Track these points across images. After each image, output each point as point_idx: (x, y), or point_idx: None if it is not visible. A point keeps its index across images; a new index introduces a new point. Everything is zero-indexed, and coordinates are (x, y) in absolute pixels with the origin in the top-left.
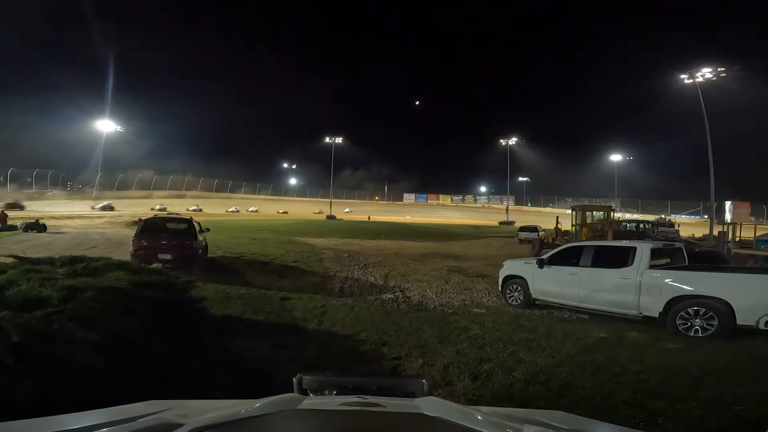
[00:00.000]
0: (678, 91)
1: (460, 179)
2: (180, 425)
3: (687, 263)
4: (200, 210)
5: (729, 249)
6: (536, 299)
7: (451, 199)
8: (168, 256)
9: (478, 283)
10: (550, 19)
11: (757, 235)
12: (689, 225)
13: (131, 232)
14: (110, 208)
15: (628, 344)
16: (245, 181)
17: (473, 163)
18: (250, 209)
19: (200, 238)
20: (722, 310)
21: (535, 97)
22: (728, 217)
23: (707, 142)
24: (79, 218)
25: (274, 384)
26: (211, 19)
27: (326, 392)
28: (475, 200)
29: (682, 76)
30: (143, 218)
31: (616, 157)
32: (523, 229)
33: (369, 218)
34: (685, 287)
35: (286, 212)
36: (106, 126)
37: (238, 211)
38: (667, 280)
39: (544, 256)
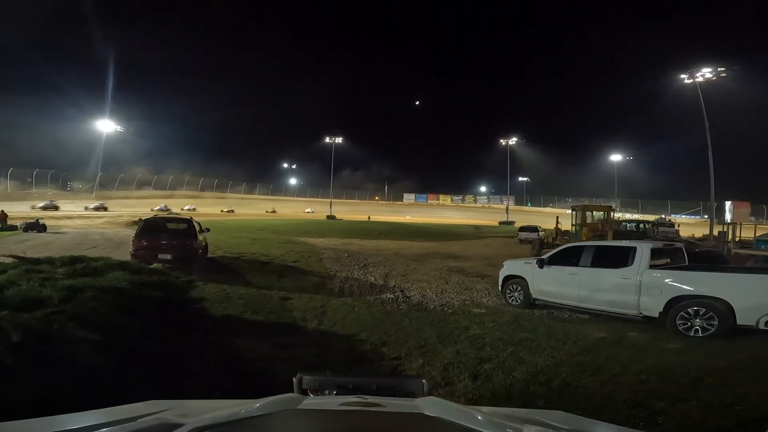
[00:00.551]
0: (678, 91)
1: (460, 179)
2: (180, 425)
3: (687, 263)
4: (194, 209)
5: (729, 249)
6: (536, 299)
7: (451, 199)
8: (168, 256)
9: (478, 283)
10: (550, 19)
11: (757, 235)
12: (689, 225)
13: (131, 232)
14: (103, 208)
15: (628, 344)
16: (245, 181)
17: (473, 163)
18: (268, 210)
19: (200, 238)
20: (722, 310)
21: (535, 97)
22: (728, 217)
23: (707, 142)
24: (79, 218)
25: (274, 384)
26: (211, 19)
27: (326, 392)
28: (475, 200)
29: (683, 76)
30: (143, 218)
31: (616, 157)
32: (523, 229)
33: (369, 218)
34: (685, 287)
35: (274, 211)
36: (105, 126)
37: (233, 212)
38: (667, 280)
39: (544, 256)
